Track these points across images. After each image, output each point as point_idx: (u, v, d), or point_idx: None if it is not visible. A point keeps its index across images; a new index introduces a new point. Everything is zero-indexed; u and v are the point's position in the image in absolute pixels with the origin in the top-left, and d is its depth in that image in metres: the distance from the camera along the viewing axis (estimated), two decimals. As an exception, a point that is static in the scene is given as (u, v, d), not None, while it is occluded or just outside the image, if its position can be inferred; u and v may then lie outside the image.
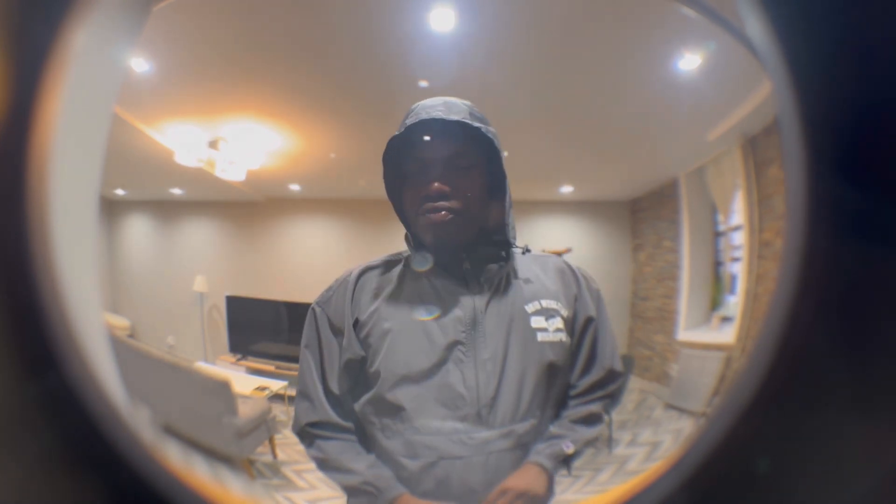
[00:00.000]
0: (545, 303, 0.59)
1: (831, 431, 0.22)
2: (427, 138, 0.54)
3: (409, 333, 0.56)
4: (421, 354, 0.55)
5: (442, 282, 0.57)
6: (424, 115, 0.55)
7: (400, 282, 0.59)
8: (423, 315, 0.57)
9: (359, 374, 0.58)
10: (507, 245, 0.60)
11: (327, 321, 0.60)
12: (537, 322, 0.58)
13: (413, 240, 0.58)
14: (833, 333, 0.22)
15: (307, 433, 0.61)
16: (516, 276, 0.59)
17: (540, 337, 0.57)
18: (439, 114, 0.55)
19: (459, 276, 0.57)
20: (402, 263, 0.60)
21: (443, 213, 0.54)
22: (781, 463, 0.23)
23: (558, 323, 0.59)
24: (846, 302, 0.21)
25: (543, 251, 0.64)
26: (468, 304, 0.57)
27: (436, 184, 0.55)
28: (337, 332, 0.59)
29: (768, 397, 0.22)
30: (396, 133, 0.56)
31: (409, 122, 0.55)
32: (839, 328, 0.22)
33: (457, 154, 0.56)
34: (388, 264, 0.61)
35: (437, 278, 0.57)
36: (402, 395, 0.55)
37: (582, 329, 0.60)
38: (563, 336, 0.59)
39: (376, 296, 0.58)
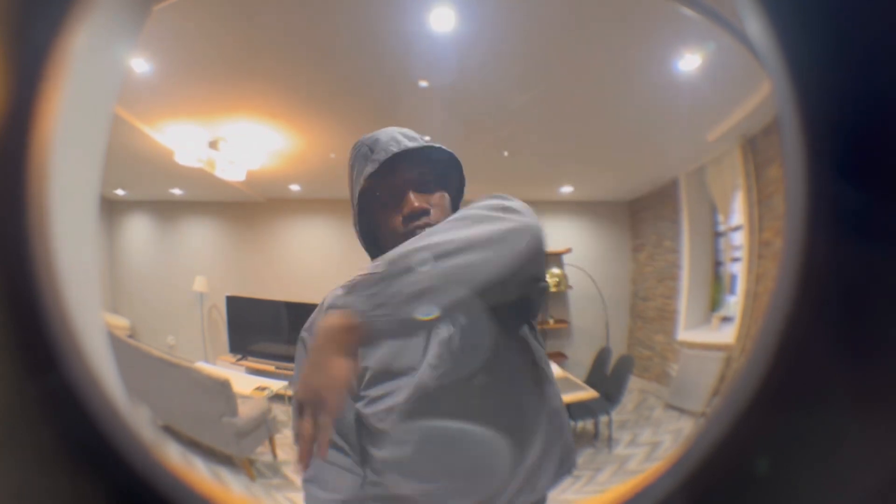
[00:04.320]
0: None
1: (831, 432, 0.22)
2: (400, 163, 0.58)
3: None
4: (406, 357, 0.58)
5: None
6: (394, 149, 0.58)
7: None
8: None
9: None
10: None
11: None
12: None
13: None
14: (833, 333, 0.22)
15: None
16: None
17: None
18: (406, 144, 0.59)
19: None
20: None
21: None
22: (781, 463, 0.23)
23: None
24: (846, 302, 0.21)
25: None
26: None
27: (415, 201, 0.58)
28: None
29: (768, 397, 0.22)
30: (371, 169, 0.58)
31: (378, 157, 0.58)
32: (839, 328, 0.22)
33: (426, 172, 0.60)
34: None
35: None
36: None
37: None
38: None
39: None
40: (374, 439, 0.59)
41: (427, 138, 0.62)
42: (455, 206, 0.65)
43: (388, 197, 0.60)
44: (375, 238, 0.62)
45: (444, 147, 0.62)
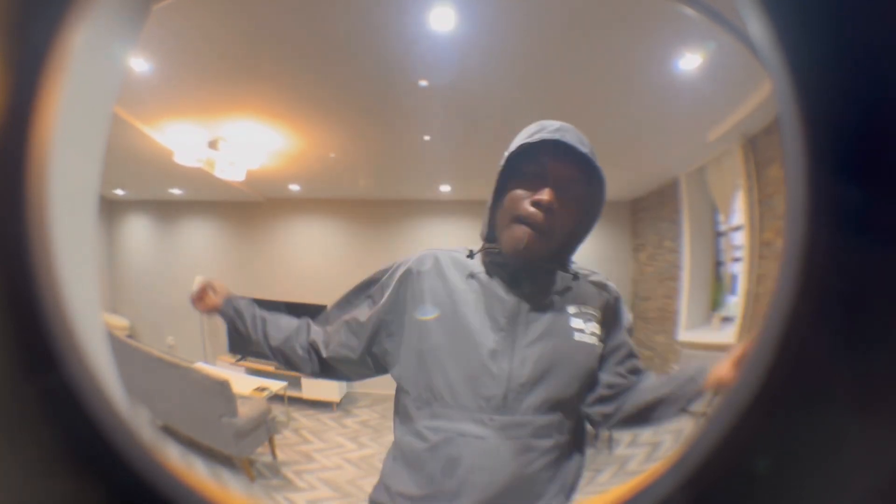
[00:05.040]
0: (584, 307, 0.62)
1: (832, 431, 0.22)
2: (560, 154, 0.57)
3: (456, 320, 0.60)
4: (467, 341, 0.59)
5: (500, 279, 0.61)
6: (561, 137, 0.57)
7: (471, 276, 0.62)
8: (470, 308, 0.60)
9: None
10: (563, 269, 0.64)
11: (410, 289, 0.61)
12: (576, 323, 0.61)
13: (497, 230, 0.60)
14: (834, 333, 0.22)
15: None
16: (560, 285, 0.64)
17: (576, 337, 0.60)
18: (574, 142, 0.58)
19: (516, 277, 0.61)
20: (478, 258, 0.62)
21: (534, 232, 0.57)
22: (782, 463, 0.22)
23: (594, 327, 0.62)
24: (847, 302, 0.21)
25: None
26: (514, 298, 0.60)
27: (547, 195, 0.56)
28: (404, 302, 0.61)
29: (769, 397, 0.22)
30: (533, 140, 0.57)
31: (543, 134, 0.58)
32: (840, 328, 0.22)
33: (575, 180, 0.58)
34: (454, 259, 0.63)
35: (495, 277, 0.61)
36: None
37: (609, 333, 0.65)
38: (590, 339, 0.62)
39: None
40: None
41: (593, 151, 0.61)
42: (583, 227, 0.62)
43: (530, 175, 0.57)
44: (496, 209, 0.60)
45: (600, 169, 0.60)
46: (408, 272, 0.62)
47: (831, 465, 0.22)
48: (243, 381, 1.13)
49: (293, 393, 1.09)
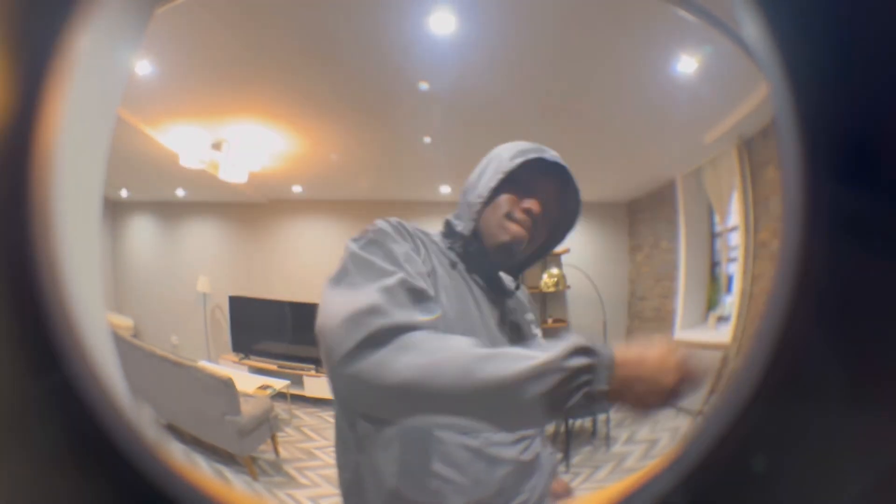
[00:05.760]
0: (529, 315, 0.71)
1: (828, 429, 0.23)
2: (555, 176, 0.65)
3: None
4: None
5: (482, 278, 0.65)
6: (562, 161, 0.65)
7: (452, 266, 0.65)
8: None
9: None
10: (517, 276, 0.72)
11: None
12: (536, 330, 0.71)
13: (481, 230, 0.64)
14: (828, 332, 0.22)
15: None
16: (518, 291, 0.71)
17: (538, 341, 0.68)
18: (569, 172, 0.66)
19: (495, 279, 0.68)
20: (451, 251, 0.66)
21: (524, 233, 0.63)
22: (778, 460, 0.23)
23: (539, 332, 0.72)
24: (842, 301, 0.22)
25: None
26: (498, 304, 0.66)
27: (535, 206, 0.62)
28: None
29: (764, 396, 0.23)
30: (539, 156, 0.65)
31: (548, 156, 0.65)
32: (835, 327, 0.22)
33: (562, 199, 0.66)
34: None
35: (478, 274, 0.65)
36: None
37: None
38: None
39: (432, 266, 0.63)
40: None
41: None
42: (536, 255, 0.69)
43: (525, 183, 0.63)
44: (481, 212, 0.65)
45: (581, 203, 0.67)
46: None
47: (827, 461, 0.22)
48: (246, 380, 1.14)
49: (296, 391, 1.10)
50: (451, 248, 0.65)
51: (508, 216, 0.62)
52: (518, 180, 0.64)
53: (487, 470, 0.56)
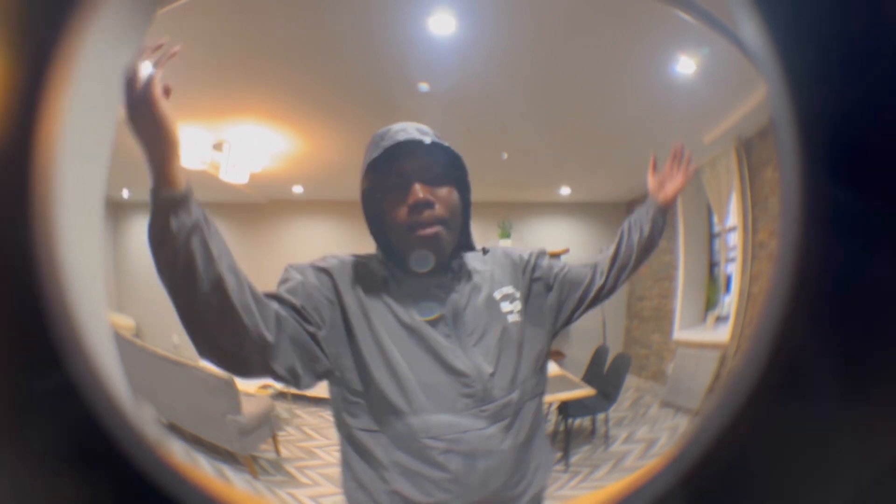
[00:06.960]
0: (505, 290, 0.65)
1: (827, 428, 0.23)
2: (407, 153, 0.58)
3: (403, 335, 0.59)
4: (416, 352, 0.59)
5: (423, 282, 0.61)
6: (401, 137, 0.59)
7: (384, 282, 0.61)
8: (423, 315, 0.60)
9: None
10: (471, 249, 0.66)
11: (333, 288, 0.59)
12: (505, 307, 0.64)
13: (396, 248, 0.61)
14: (827, 332, 0.22)
15: None
16: (477, 272, 0.65)
17: (509, 319, 0.63)
18: (415, 135, 0.59)
19: (436, 278, 0.62)
20: (380, 264, 0.62)
21: (435, 228, 0.58)
22: (777, 459, 0.23)
23: (518, 305, 0.65)
24: (840, 302, 0.22)
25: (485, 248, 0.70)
26: (451, 300, 0.61)
27: (420, 192, 0.57)
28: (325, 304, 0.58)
29: (763, 395, 0.23)
30: (375, 155, 0.58)
31: (384, 144, 0.58)
32: (833, 327, 0.22)
33: (433, 165, 0.60)
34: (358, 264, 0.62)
35: (418, 280, 0.61)
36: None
37: (555, 279, 0.68)
38: (518, 317, 0.64)
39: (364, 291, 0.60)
40: None
41: (439, 136, 0.62)
42: (465, 206, 0.64)
43: (394, 186, 0.59)
44: (383, 228, 0.61)
45: (451, 148, 0.61)
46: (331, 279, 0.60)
47: (826, 460, 0.22)
48: (247, 380, 1.14)
49: (296, 390, 1.10)
50: (388, 262, 0.61)
51: (409, 228, 0.58)
52: (386, 185, 0.59)
53: (467, 464, 0.56)
